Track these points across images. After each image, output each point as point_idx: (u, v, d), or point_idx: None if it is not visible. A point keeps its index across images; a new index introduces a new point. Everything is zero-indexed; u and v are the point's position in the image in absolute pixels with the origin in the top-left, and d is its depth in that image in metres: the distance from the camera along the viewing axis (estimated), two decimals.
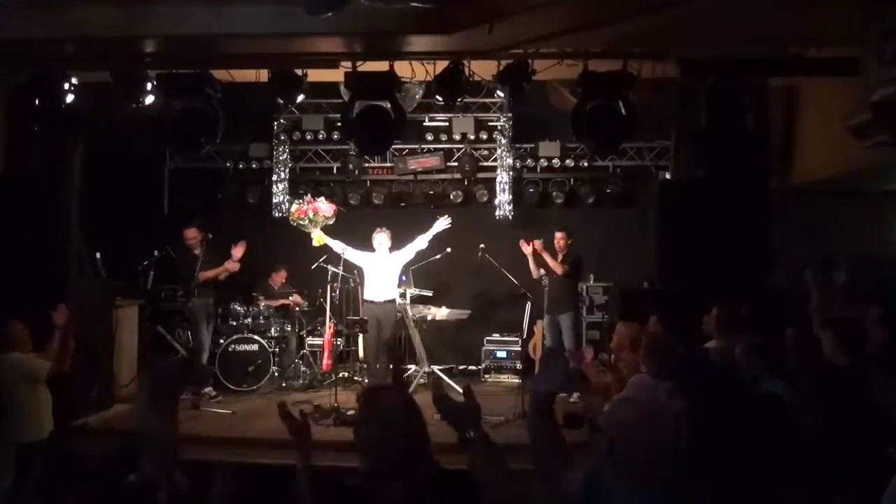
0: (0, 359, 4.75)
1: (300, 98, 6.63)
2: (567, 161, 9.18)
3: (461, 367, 9.12)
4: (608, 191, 9.24)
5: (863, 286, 5.30)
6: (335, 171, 9.54)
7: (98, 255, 7.52)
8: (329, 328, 8.10)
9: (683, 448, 2.17)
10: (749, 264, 6.71)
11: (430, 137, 9.40)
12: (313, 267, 8.29)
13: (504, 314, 9.12)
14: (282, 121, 9.27)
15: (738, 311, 5.10)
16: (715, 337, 5.01)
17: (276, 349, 8.38)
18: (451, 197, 9.36)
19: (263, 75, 6.28)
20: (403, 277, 8.14)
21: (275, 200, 9.21)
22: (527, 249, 7.74)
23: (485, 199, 9.32)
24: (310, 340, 8.69)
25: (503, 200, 9.14)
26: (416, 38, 5.74)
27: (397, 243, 7.90)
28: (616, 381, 4.70)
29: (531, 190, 9.37)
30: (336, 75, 6.32)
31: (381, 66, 6.00)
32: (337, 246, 7.83)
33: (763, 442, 3.13)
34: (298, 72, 6.28)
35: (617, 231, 8.93)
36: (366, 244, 7.91)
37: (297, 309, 8.68)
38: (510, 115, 9.09)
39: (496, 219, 9.13)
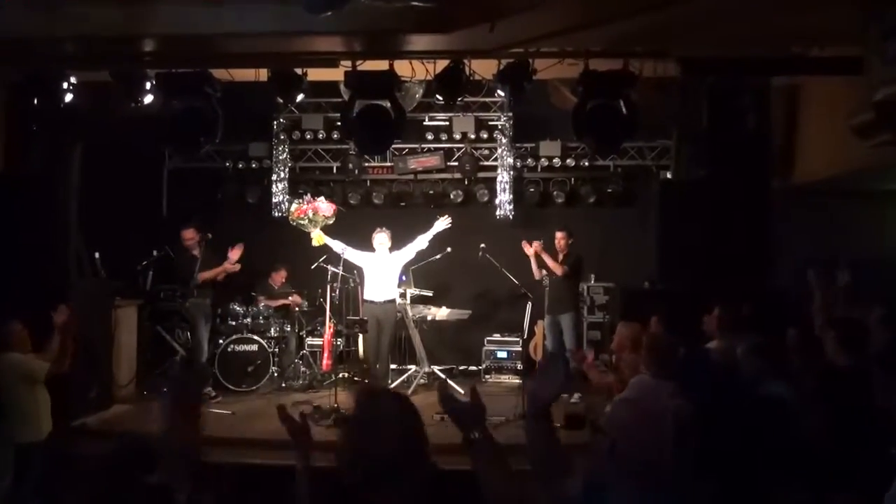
0: None
1: (300, 97, 6.61)
2: (568, 160, 9.17)
3: (461, 368, 9.10)
4: (609, 190, 9.22)
5: (865, 286, 5.30)
6: (335, 170, 9.52)
7: (97, 254, 7.51)
8: (329, 328, 8.08)
9: (684, 449, 2.15)
10: (750, 264, 6.70)
11: (430, 137, 9.38)
12: (313, 267, 8.28)
13: (505, 314, 9.11)
14: (281, 120, 9.25)
15: (739, 312, 5.09)
16: (716, 337, 5.00)
17: (276, 349, 8.36)
18: (452, 196, 9.34)
19: (263, 74, 6.27)
20: (403, 277, 8.13)
21: (274, 200, 9.19)
22: (529, 251, 7.72)
23: (485, 198, 9.30)
24: (310, 340, 8.68)
25: (504, 200, 9.12)
26: (416, 37, 5.72)
27: (397, 243, 7.89)
28: (617, 382, 4.69)
29: (532, 189, 9.35)
30: (336, 74, 6.31)
31: (381, 65, 5.99)
32: (337, 246, 7.82)
33: (765, 442, 3.11)
34: (298, 71, 6.27)
35: (618, 231, 8.91)
36: (366, 244, 7.90)
37: (297, 309, 8.67)
38: (511, 114, 9.06)
39: (497, 218, 9.11)
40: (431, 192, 9.45)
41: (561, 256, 7.73)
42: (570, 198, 9.29)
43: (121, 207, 8.11)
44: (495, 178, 9.19)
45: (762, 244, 6.83)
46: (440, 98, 6.51)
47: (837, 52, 5.80)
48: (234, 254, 7.74)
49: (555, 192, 9.27)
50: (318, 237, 7.78)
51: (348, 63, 6.04)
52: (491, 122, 9.28)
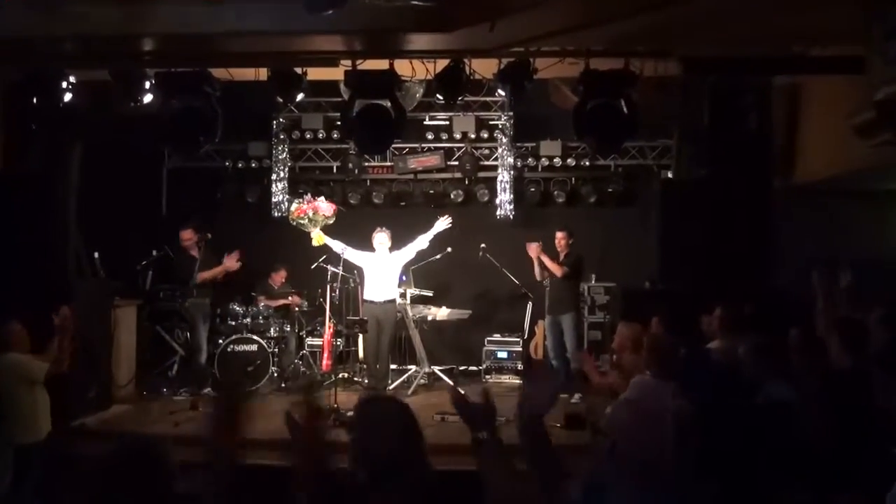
0: None
1: (300, 97, 6.60)
2: (568, 160, 9.15)
3: (462, 368, 9.08)
4: (610, 190, 9.20)
5: (866, 286, 5.27)
6: (335, 170, 9.50)
7: (96, 254, 7.49)
8: (329, 328, 8.06)
9: (685, 449, 2.15)
10: (752, 264, 6.68)
11: (430, 136, 9.36)
12: (313, 267, 8.26)
13: (505, 314, 9.10)
14: (281, 119, 9.24)
15: (741, 312, 5.08)
16: (718, 337, 4.98)
17: (276, 349, 8.34)
18: (452, 196, 9.33)
19: (263, 74, 6.26)
20: (404, 277, 8.12)
21: (274, 200, 9.17)
22: (532, 253, 7.69)
23: (486, 198, 9.29)
24: (309, 341, 8.67)
25: (504, 200, 9.10)
26: (416, 37, 5.71)
27: (397, 243, 7.88)
28: (618, 382, 4.67)
29: (532, 189, 9.33)
30: (336, 74, 6.30)
31: (382, 64, 5.98)
32: (337, 246, 7.81)
33: (766, 443, 3.11)
34: (298, 70, 6.26)
35: (619, 231, 8.89)
36: (366, 244, 7.89)
37: (297, 309, 8.65)
38: (511, 113, 9.05)
39: (497, 218, 9.09)
40: (432, 191, 9.43)
41: (562, 256, 7.71)
42: (570, 197, 9.27)
43: (120, 207, 8.11)
44: (496, 178, 9.17)
45: (763, 244, 6.81)
46: (440, 97, 6.50)
47: (839, 51, 5.79)
48: (230, 260, 7.77)
49: (555, 192, 9.25)
50: (318, 237, 7.77)
51: (348, 62, 6.03)
52: (491, 122, 9.26)
